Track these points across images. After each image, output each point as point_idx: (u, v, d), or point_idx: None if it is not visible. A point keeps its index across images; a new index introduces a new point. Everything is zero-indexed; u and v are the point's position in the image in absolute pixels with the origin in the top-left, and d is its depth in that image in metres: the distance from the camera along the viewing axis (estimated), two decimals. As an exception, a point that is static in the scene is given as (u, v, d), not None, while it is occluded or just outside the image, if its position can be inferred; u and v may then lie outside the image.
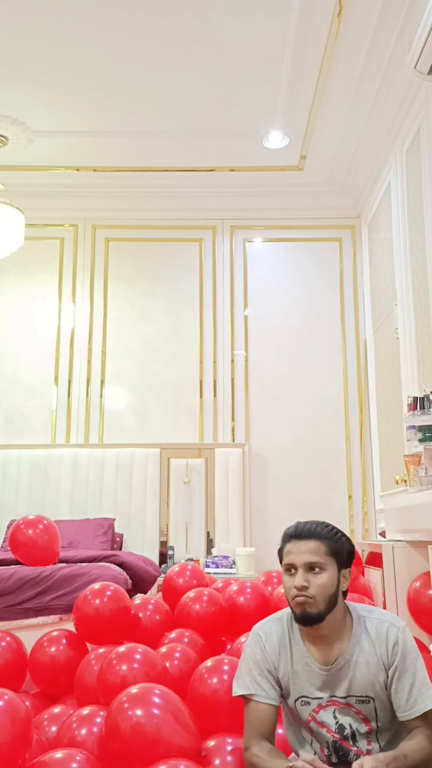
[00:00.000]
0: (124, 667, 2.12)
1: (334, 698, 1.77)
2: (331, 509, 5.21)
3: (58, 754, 1.77)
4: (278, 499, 5.25)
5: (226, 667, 2.15)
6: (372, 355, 5.23)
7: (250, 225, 5.70)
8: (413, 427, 3.44)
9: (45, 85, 4.30)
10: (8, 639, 2.60)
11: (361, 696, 1.76)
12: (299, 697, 1.80)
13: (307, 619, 1.75)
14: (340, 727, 1.77)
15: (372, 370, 5.23)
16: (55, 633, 2.72)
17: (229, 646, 2.80)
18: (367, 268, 5.43)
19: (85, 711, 2.06)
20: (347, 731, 1.76)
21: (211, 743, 1.92)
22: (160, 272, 5.64)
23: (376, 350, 5.13)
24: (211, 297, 5.59)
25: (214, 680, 2.12)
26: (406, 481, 3.62)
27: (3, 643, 2.52)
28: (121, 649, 2.21)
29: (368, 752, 1.75)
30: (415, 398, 3.47)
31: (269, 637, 1.84)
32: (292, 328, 5.52)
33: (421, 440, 3.35)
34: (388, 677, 1.76)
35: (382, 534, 4.26)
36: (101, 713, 2.00)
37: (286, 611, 1.89)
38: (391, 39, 3.83)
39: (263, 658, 1.82)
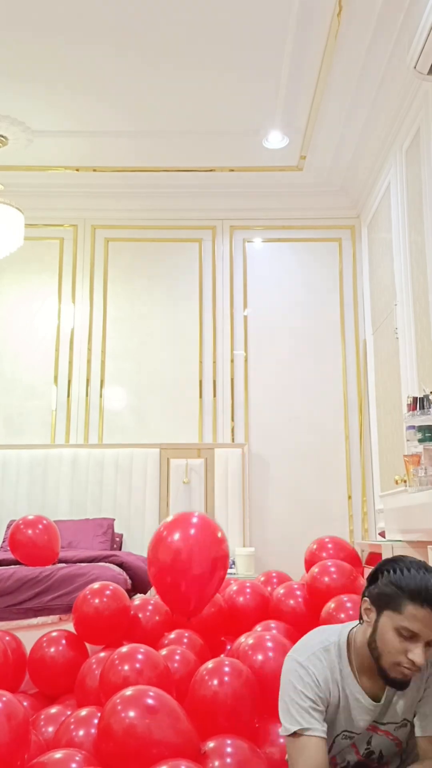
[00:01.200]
0: (126, 668, 2.12)
1: (375, 724, 1.70)
2: (331, 509, 5.21)
3: (58, 755, 1.77)
4: (278, 499, 5.25)
5: (226, 669, 2.15)
6: (372, 355, 5.23)
7: (250, 225, 5.70)
8: (413, 427, 3.44)
9: (45, 85, 4.30)
10: (7, 638, 2.60)
11: (401, 722, 1.70)
12: (342, 731, 1.69)
13: (402, 686, 1.61)
14: (369, 753, 1.72)
15: (372, 370, 5.24)
16: (54, 633, 2.72)
17: (228, 647, 2.79)
18: (366, 269, 5.43)
19: (83, 712, 2.06)
20: (375, 756, 1.72)
21: (211, 744, 1.92)
22: (159, 272, 5.64)
23: (375, 350, 5.13)
24: (210, 297, 5.59)
25: (215, 682, 2.12)
26: (405, 481, 3.62)
27: (2, 643, 2.52)
28: (124, 649, 2.21)
29: None
30: (415, 398, 3.47)
31: (320, 670, 1.65)
32: (292, 328, 5.52)
33: (420, 440, 3.36)
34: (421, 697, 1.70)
35: (382, 534, 4.25)
36: (98, 714, 2.00)
37: (332, 640, 1.72)
38: (391, 39, 3.83)
39: (316, 691, 1.63)
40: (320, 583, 2.71)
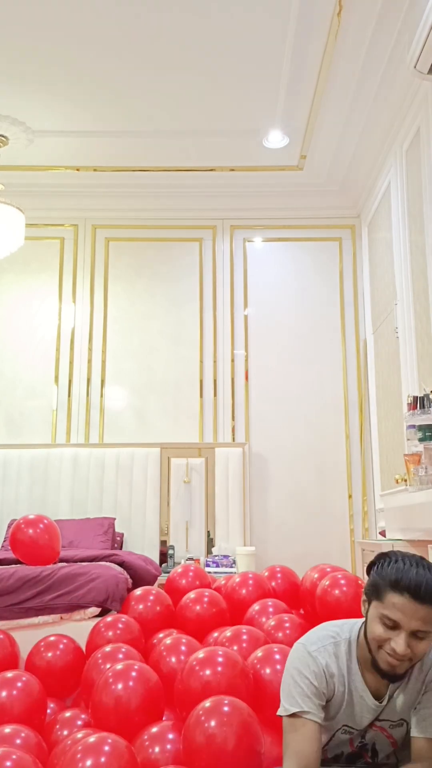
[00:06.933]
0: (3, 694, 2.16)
1: (373, 721, 1.72)
2: (331, 508, 5.22)
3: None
4: (278, 498, 5.25)
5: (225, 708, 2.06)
6: (372, 354, 5.24)
7: (250, 225, 5.70)
8: (413, 426, 3.45)
9: (45, 85, 4.30)
10: (0, 637, 2.60)
11: (397, 721, 1.71)
12: (343, 726, 1.70)
13: (393, 678, 1.63)
14: (362, 746, 1.73)
15: (372, 369, 5.24)
16: (52, 638, 2.73)
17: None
18: (366, 268, 5.43)
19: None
20: (368, 748, 1.73)
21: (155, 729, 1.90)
22: (160, 272, 5.64)
23: (376, 350, 5.13)
24: (211, 297, 5.59)
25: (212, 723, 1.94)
26: (406, 481, 3.63)
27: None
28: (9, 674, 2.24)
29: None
30: (415, 398, 3.48)
31: (327, 664, 1.67)
32: (292, 327, 5.52)
33: (420, 439, 3.37)
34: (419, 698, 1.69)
35: (382, 533, 4.26)
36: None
37: (342, 634, 1.73)
38: (391, 39, 3.84)
39: (320, 681, 1.66)
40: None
